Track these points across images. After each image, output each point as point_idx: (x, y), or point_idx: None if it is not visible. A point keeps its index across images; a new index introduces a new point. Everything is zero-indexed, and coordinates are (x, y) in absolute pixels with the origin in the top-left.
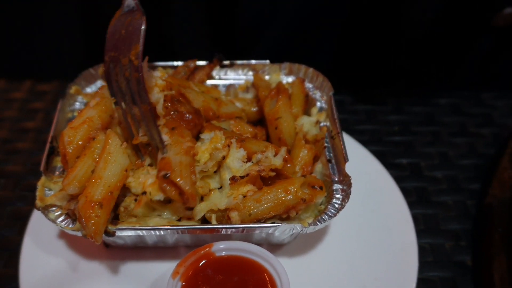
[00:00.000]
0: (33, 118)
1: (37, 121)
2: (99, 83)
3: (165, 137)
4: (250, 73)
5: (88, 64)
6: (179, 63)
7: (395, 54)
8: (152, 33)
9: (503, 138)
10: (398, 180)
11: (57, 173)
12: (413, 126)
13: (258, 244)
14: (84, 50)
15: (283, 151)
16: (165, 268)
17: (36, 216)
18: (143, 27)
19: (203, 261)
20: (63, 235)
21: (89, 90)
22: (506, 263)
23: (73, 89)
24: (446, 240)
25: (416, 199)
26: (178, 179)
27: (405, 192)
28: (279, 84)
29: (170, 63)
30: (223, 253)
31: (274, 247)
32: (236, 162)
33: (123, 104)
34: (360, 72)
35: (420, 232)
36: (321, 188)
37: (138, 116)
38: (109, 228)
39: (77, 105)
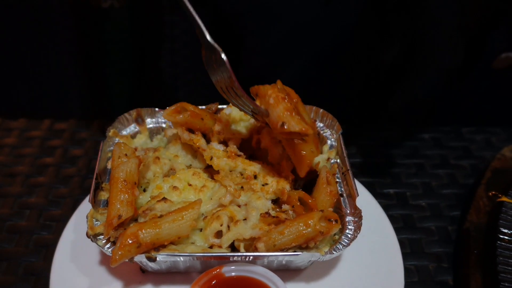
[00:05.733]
0: (52, 154)
1: (56, 157)
2: (133, 126)
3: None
4: None
5: (96, 104)
6: (202, 107)
7: (386, 94)
8: (156, 82)
9: (480, 169)
10: (386, 208)
11: (101, 206)
12: (399, 159)
13: (278, 269)
14: (90, 92)
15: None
16: None
17: (63, 243)
18: (226, 61)
19: (214, 281)
20: (89, 261)
21: (124, 132)
22: (482, 281)
23: (111, 132)
24: (429, 262)
25: (402, 225)
26: (293, 124)
27: (393, 219)
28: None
29: None
30: (233, 274)
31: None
32: (265, 207)
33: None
34: (351, 109)
35: (406, 255)
36: (336, 221)
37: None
38: (152, 254)
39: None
